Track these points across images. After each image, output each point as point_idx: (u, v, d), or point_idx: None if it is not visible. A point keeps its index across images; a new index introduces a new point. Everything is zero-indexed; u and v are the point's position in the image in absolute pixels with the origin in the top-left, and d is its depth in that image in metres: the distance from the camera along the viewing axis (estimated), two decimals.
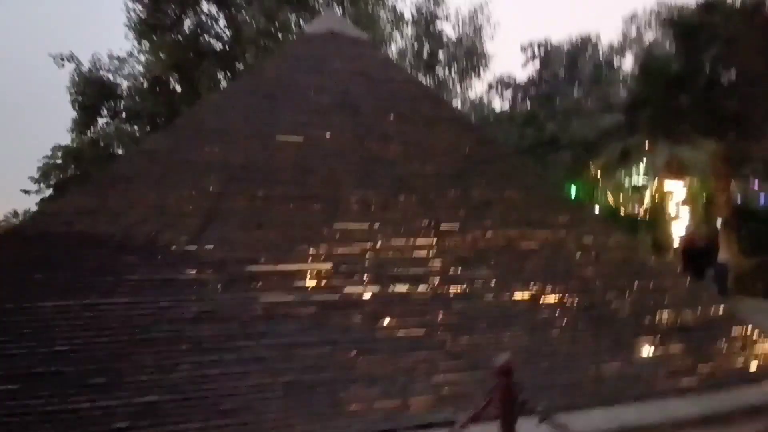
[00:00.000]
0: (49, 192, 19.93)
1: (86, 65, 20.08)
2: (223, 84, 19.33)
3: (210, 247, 6.23)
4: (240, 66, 19.82)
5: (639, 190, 17.47)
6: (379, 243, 6.90)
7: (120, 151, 18.99)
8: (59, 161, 19.90)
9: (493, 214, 7.66)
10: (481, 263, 7.01)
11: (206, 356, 5.25)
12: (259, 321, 5.72)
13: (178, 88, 20.35)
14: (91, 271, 5.68)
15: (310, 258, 6.49)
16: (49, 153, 19.97)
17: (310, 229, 6.79)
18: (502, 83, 30.95)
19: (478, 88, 46.71)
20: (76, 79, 19.66)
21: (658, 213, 17.30)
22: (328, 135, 7.90)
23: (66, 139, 20.74)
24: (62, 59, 19.44)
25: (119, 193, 6.51)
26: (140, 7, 19.50)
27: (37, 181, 20.09)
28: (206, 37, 20.47)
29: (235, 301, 5.82)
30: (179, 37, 19.93)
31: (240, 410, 4.94)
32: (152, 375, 5.01)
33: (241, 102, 8.20)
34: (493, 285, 6.81)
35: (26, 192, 20.41)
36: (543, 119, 24.81)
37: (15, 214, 23.82)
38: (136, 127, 20.07)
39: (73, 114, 19.71)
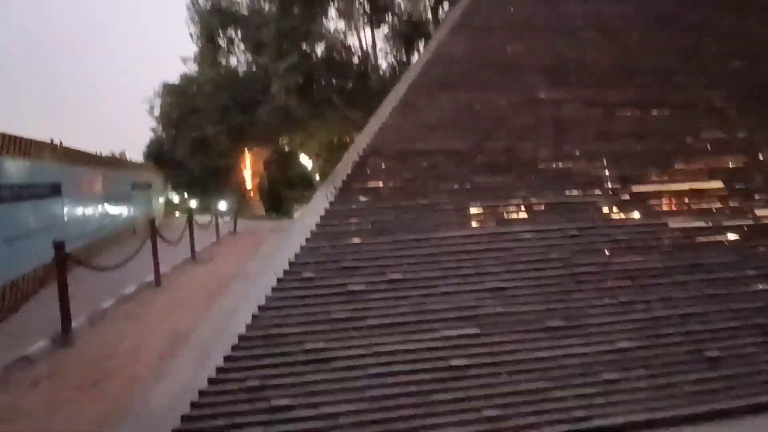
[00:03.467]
0: None
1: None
2: None
3: (579, 163, 5.02)
4: None
5: None
6: (760, 154, 5.47)
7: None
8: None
9: None
10: None
11: (643, 293, 4.15)
12: (683, 251, 4.53)
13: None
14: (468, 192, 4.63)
15: (695, 174, 5.17)
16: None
17: (674, 140, 5.43)
18: None
19: None
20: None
21: None
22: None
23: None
24: None
25: (448, 104, 5.32)
26: None
27: None
28: None
29: (646, 228, 4.63)
30: None
31: (723, 359, 3.84)
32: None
33: None
34: None
35: None
36: None
37: None
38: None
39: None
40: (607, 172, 4.92)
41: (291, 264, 4.07)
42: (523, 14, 6.29)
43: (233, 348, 3.56)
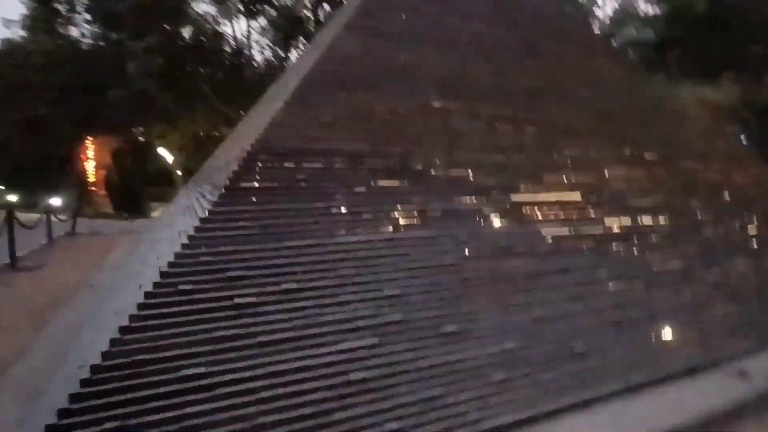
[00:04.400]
0: None
1: None
2: None
3: (468, 172, 5.24)
4: None
5: None
6: (606, 172, 6.35)
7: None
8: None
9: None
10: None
11: (524, 296, 4.48)
12: (553, 256, 5.01)
13: None
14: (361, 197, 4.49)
15: (560, 187, 5.78)
16: None
17: (545, 154, 6.02)
18: None
19: None
20: None
21: None
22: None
23: None
24: None
25: (328, 103, 5.13)
26: None
27: None
28: None
29: (524, 235, 5.01)
30: None
31: (588, 353, 4.33)
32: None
33: (407, 3, 6.82)
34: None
35: None
36: None
37: None
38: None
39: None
40: (491, 182, 5.20)
41: (163, 274, 3.46)
42: (413, 24, 6.40)
43: (84, 383, 2.86)
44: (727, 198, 7.23)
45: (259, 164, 4.26)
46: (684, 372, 4.47)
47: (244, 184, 4.08)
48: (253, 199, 4.04)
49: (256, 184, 4.17)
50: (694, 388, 4.31)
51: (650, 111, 7.81)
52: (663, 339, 4.81)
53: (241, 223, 3.84)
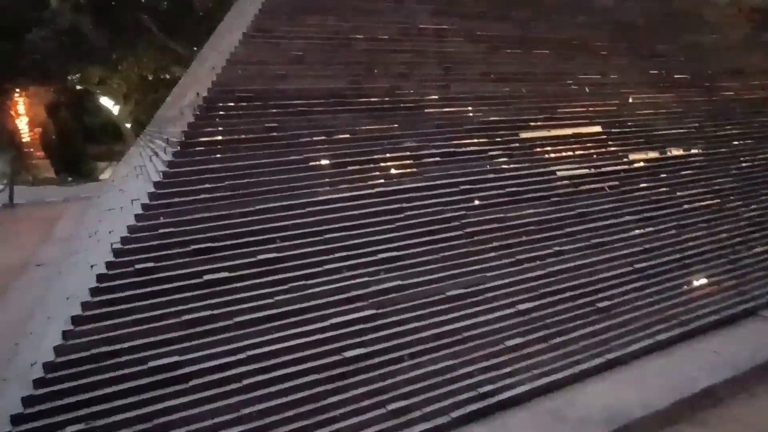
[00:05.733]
0: None
1: None
2: None
3: (468, 107, 5.08)
4: None
5: None
6: (630, 98, 6.22)
7: None
8: None
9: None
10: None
11: (538, 248, 4.47)
12: (570, 200, 4.95)
13: None
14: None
15: (576, 119, 5.65)
16: None
17: (557, 81, 5.85)
18: None
19: None
20: None
21: None
22: None
23: None
24: None
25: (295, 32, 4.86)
26: None
27: None
28: None
29: (535, 177, 4.93)
30: None
31: (611, 308, 4.38)
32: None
33: None
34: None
35: None
36: None
37: None
38: None
39: None
40: (495, 117, 5.05)
41: (117, 252, 3.36)
42: None
43: (38, 383, 2.82)
44: None
45: (220, 112, 4.06)
46: (719, 322, 4.54)
47: (203, 138, 3.91)
48: (217, 155, 3.88)
49: (219, 137, 3.99)
50: (731, 339, 4.39)
51: (679, 20, 7.57)
52: (695, 287, 4.86)
53: (204, 186, 3.70)
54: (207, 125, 3.95)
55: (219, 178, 3.79)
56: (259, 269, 3.54)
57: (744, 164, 6.34)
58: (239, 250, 3.58)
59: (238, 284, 3.45)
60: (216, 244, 3.54)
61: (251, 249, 3.60)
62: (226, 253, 3.55)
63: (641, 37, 6.89)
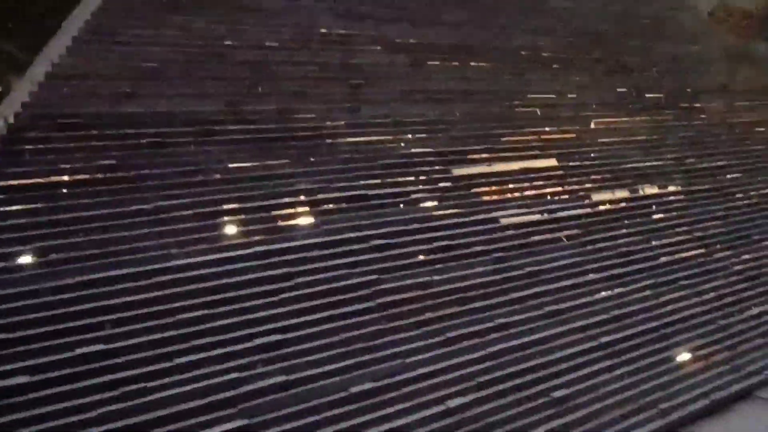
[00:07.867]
0: None
1: None
2: None
3: (383, 135, 5.09)
4: None
5: None
6: (592, 123, 6.46)
7: None
8: None
9: None
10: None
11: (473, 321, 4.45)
12: (518, 255, 5.00)
13: None
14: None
15: (526, 149, 5.78)
16: None
17: (503, 101, 6.00)
18: None
19: None
20: None
21: None
22: None
23: None
24: None
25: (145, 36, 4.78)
26: None
27: None
28: None
29: (473, 226, 4.95)
30: None
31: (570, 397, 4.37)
32: None
33: None
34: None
35: None
36: None
37: None
38: None
39: None
40: (421, 148, 5.09)
41: None
42: None
43: None
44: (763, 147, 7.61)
45: (33, 145, 3.83)
46: (708, 409, 4.60)
47: (2, 182, 3.64)
48: (23, 205, 3.62)
49: (29, 181, 3.75)
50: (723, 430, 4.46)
51: (653, 26, 8.03)
52: (678, 364, 4.95)
53: (14, 248, 3.44)
54: (11, 163, 3.71)
55: (24, 239, 3.52)
56: (76, 369, 3.26)
57: (733, 204, 6.65)
58: (49, 342, 3.29)
59: (45, 392, 3.15)
60: (13, 335, 3.23)
61: (66, 340, 3.32)
62: (32, 346, 3.26)
63: (606, 48, 7.23)
